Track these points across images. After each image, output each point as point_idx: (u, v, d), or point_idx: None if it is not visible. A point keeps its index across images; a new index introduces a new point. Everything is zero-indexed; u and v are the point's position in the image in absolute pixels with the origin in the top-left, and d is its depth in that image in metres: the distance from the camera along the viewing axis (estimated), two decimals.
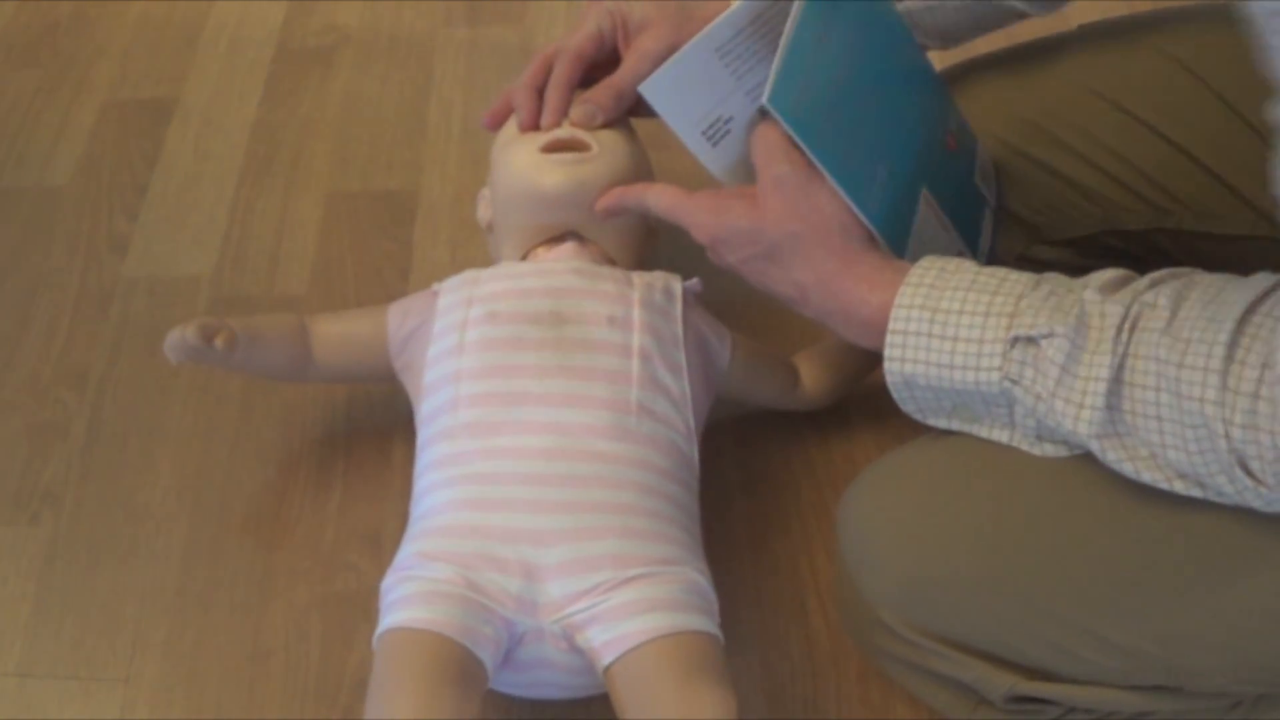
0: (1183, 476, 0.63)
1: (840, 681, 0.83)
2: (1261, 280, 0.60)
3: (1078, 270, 0.70)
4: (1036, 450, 0.69)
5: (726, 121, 0.80)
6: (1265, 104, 0.56)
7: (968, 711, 0.74)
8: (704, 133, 0.80)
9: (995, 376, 0.66)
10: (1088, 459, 0.67)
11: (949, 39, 0.90)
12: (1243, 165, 0.84)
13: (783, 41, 0.75)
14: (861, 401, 0.96)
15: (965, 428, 0.71)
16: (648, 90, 0.79)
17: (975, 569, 0.69)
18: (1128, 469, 0.64)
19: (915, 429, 0.73)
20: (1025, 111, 0.90)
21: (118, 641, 0.88)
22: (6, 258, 1.14)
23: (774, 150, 0.75)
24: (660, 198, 0.82)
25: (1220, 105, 0.84)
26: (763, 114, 0.76)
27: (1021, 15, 0.88)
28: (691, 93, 0.79)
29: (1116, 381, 0.62)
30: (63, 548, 0.93)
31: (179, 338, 0.85)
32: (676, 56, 0.80)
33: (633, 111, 0.89)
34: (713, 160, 0.80)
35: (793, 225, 0.74)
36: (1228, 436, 0.58)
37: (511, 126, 0.91)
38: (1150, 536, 0.66)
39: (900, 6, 0.86)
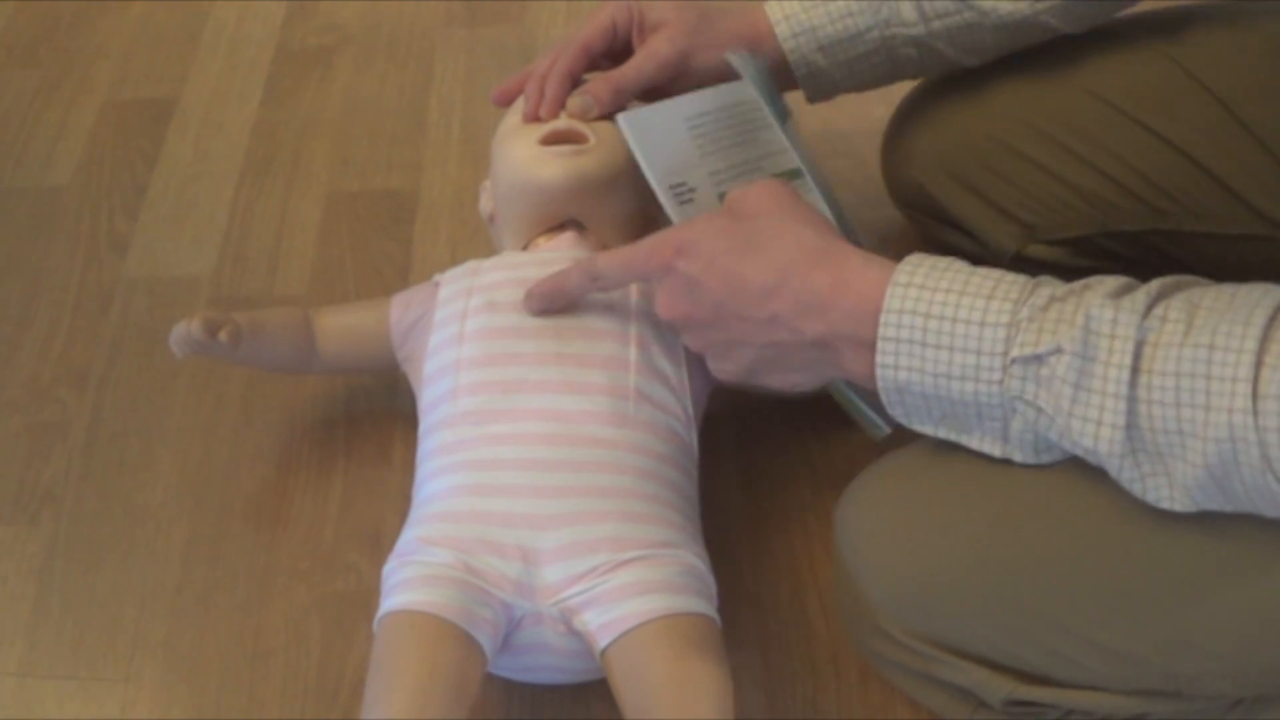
0: (1183, 499, 0.61)
1: (840, 681, 0.83)
2: (1275, 289, 0.59)
3: (1073, 271, 0.69)
4: (1033, 460, 0.67)
5: (690, 190, 0.82)
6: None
7: (966, 714, 0.74)
8: (671, 187, 0.81)
9: (995, 389, 0.64)
10: (1088, 466, 0.66)
11: (982, 54, 0.90)
12: (1240, 165, 0.84)
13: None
14: None
15: (953, 437, 0.68)
16: (624, 122, 0.80)
17: (973, 576, 0.68)
18: (1136, 489, 0.62)
19: (915, 431, 0.73)
20: (1023, 112, 0.90)
21: (118, 641, 0.88)
22: (6, 258, 1.14)
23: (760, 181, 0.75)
24: (608, 257, 0.78)
25: (1218, 106, 0.84)
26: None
27: (1053, 31, 0.88)
28: (662, 147, 0.81)
29: (1132, 399, 0.60)
30: (63, 548, 0.93)
31: (184, 331, 0.86)
32: (654, 106, 0.81)
33: (638, 100, 0.90)
34: (676, 216, 0.81)
35: (778, 210, 0.72)
36: (1262, 444, 0.56)
37: (511, 118, 0.91)
38: (1149, 544, 0.65)
39: (938, 25, 0.87)
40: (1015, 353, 0.62)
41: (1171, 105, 0.86)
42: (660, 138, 0.81)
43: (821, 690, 0.83)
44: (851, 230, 0.89)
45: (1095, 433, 0.61)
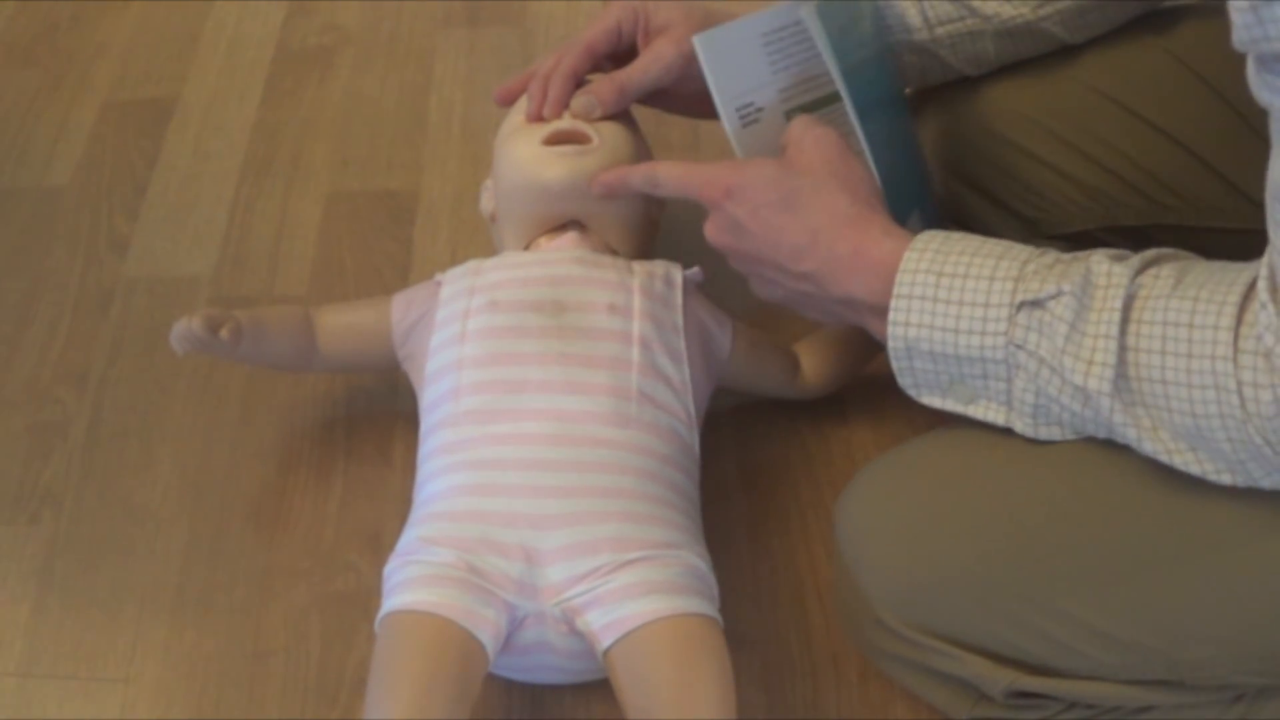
0: (1183, 450, 0.63)
1: (840, 681, 0.83)
2: (1261, 262, 0.61)
3: None
4: (1031, 432, 0.69)
5: (757, 110, 0.82)
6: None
7: (968, 707, 0.74)
8: (738, 109, 0.82)
9: (1000, 341, 0.66)
10: (1084, 453, 0.67)
11: (983, 64, 0.91)
12: (1240, 159, 0.84)
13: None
14: (861, 398, 0.96)
15: (959, 408, 0.71)
16: (699, 42, 0.80)
17: (974, 567, 0.69)
18: (1130, 434, 0.64)
19: (914, 426, 0.73)
20: (1025, 108, 0.90)
21: (118, 641, 0.88)
22: (6, 258, 1.14)
23: (817, 121, 0.78)
24: (670, 169, 0.82)
25: (1219, 100, 0.85)
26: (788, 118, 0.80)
27: (1055, 40, 0.88)
28: (735, 66, 0.81)
29: (1122, 348, 0.62)
30: (63, 548, 0.93)
31: (185, 328, 0.86)
32: (729, 25, 0.82)
33: (641, 101, 0.89)
34: (738, 139, 0.82)
35: (823, 171, 0.75)
36: (1241, 395, 0.59)
37: (514, 118, 0.91)
38: (1148, 529, 0.66)
39: (941, 31, 0.88)
40: (1020, 298, 0.66)
41: (1172, 100, 0.86)
42: (734, 57, 0.81)
43: (821, 690, 0.83)
44: (918, 155, 0.92)
45: (1086, 370, 0.63)
